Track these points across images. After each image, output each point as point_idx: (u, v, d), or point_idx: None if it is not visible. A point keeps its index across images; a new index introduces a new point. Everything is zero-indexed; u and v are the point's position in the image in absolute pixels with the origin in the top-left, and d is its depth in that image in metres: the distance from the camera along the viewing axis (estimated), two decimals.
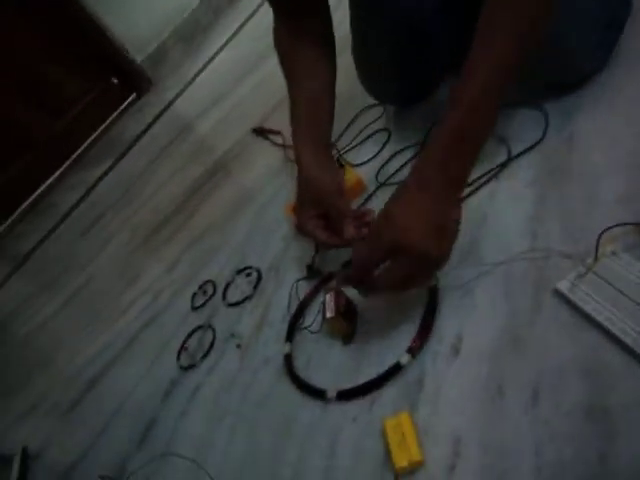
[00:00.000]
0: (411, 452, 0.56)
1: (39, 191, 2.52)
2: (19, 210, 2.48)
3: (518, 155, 0.78)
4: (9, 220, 2.46)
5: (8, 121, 2.47)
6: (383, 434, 0.60)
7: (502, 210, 0.73)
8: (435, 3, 0.86)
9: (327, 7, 0.90)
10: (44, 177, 2.55)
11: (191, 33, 2.71)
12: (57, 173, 2.56)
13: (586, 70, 0.78)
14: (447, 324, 0.66)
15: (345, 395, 0.67)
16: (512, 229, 0.70)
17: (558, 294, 0.59)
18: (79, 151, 2.61)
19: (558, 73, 0.78)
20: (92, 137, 2.65)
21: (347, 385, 0.68)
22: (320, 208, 0.80)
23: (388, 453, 0.58)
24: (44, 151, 2.56)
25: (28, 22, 2.46)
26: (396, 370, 0.65)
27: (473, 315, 0.65)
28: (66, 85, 2.64)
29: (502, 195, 0.75)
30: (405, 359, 0.65)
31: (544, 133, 0.78)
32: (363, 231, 0.77)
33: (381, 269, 0.63)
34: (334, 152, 1.05)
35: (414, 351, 0.65)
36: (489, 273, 0.67)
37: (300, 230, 0.83)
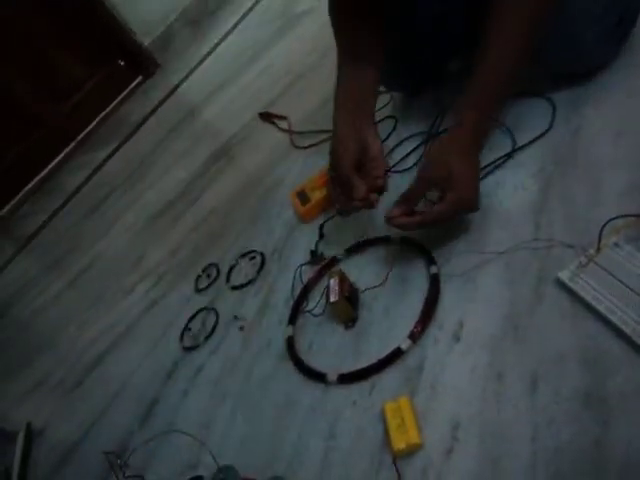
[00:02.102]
0: (409, 435, 0.57)
1: (44, 172, 2.52)
2: (24, 191, 2.48)
3: (524, 145, 0.78)
4: (14, 200, 2.47)
5: (14, 102, 2.47)
6: (383, 417, 0.61)
7: (507, 199, 0.74)
8: (438, 6, 0.87)
9: None
10: (50, 158, 2.55)
11: (199, 17, 2.69)
12: (63, 154, 2.56)
13: (595, 61, 0.78)
14: (449, 311, 0.67)
15: (346, 378, 0.68)
16: (516, 218, 0.70)
17: (559, 283, 0.60)
18: (85, 132, 2.61)
19: (567, 63, 0.78)
20: (98, 119, 2.65)
21: (348, 369, 0.69)
22: (358, 153, 0.80)
23: (387, 436, 0.59)
24: (50, 132, 2.56)
25: (34, 4, 2.45)
26: (397, 355, 0.66)
27: (475, 302, 0.66)
28: (73, 67, 2.63)
29: (508, 184, 0.75)
30: (406, 344, 0.66)
31: (551, 124, 0.78)
32: (371, 196, 0.77)
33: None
34: None
35: (415, 336, 0.66)
36: (492, 261, 0.67)
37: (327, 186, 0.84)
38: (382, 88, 1.09)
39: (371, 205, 0.77)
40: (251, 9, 2.32)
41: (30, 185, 2.50)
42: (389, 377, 0.65)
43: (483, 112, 0.69)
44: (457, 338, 0.64)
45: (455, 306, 0.67)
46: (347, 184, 0.78)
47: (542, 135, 0.78)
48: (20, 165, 2.49)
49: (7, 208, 2.45)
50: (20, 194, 2.48)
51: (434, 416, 0.59)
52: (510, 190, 0.75)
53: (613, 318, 0.54)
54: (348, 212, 0.83)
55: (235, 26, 2.32)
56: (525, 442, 0.52)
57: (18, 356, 1.42)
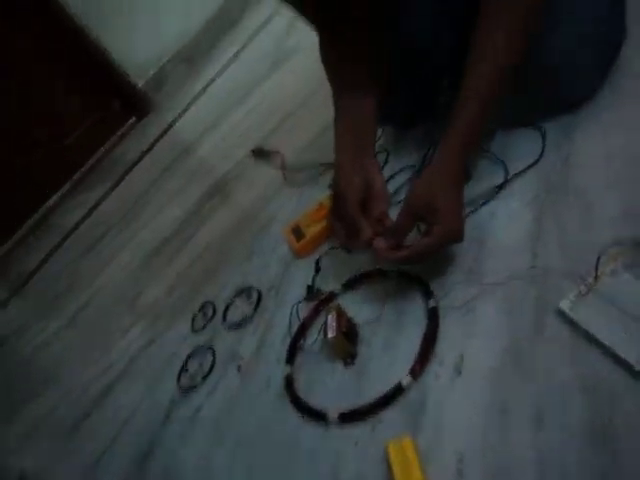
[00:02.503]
0: (414, 476, 0.55)
1: (40, 212, 2.53)
2: (21, 231, 2.48)
3: (516, 175, 0.78)
4: (11, 240, 2.46)
5: (9, 142, 2.49)
6: (385, 457, 0.59)
7: (502, 229, 0.73)
8: (433, 26, 0.88)
9: (379, 21, 0.88)
10: (45, 198, 2.56)
11: (191, 56, 2.75)
12: (59, 194, 2.57)
13: (582, 91, 0.79)
14: (448, 344, 0.66)
15: (347, 417, 0.66)
16: (512, 248, 0.70)
17: (560, 313, 0.59)
18: (80, 172, 2.63)
19: (554, 94, 0.79)
20: (93, 159, 2.67)
21: (349, 407, 0.67)
22: (362, 190, 0.79)
23: (391, 477, 0.57)
24: (45, 172, 2.57)
25: (30, 45, 2.49)
26: (398, 392, 0.65)
27: (475, 335, 0.65)
28: (68, 108, 2.66)
29: (502, 214, 0.75)
30: (407, 380, 0.64)
31: (542, 152, 0.79)
32: (376, 243, 0.74)
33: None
34: None
35: (416, 372, 0.65)
36: (490, 292, 0.67)
37: (327, 223, 0.84)
38: None
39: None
40: (243, 48, 2.37)
41: (27, 225, 2.50)
42: (391, 415, 0.64)
43: (465, 142, 0.70)
44: (458, 372, 0.62)
45: (455, 339, 0.66)
46: (352, 224, 0.77)
47: (534, 164, 0.78)
48: (16, 205, 2.49)
49: (4, 248, 2.45)
50: (17, 234, 2.48)
51: (438, 454, 0.57)
52: (504, 220, 0.75)
53: (616, 348, 0.53)
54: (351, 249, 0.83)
55: (227, 65, 2.36)
56: (531, 477, 0.50)
57: (16, 396, 1.39)
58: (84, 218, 2.14)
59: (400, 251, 0.70)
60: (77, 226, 2.12)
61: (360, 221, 0.76)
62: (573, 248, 0.64)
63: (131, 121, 2.76)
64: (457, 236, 0.69)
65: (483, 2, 0.70)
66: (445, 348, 0.66)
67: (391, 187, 0.95)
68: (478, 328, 0.65)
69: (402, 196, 0.92)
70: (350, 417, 0.66)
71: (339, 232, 0.80)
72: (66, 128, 2.67)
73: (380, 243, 0.71)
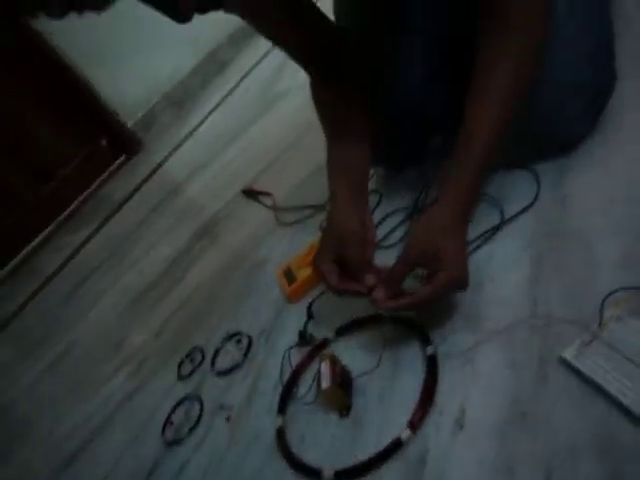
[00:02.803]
0: None
1: (22, 254, 2.47)
2: (3, 272, 2.42)
3: (511, 218, 0.77)
4: None
5: None
6: None
7: (500, 274, 0.72)
8: (423, 74, 0.89)
9: (365, 69, 0.90)
10: (28, 240, 2.50)
11: (181, 98, 2.77)
12: (42, 235, 2.52)
13: (574, 135, 0.79)
14: (448, 395, 0.63)
15: (343, 475, 0.63)
16: (511, 294, 0.68)
17: (564, 363, 0.57)
18: (66, 213, 2.59)
19: (546, 138, 0.79)
20: (79, 199, 2.64)
21: (345, 463, 0.64)
22: (339, 252, 0.77)
23: None
24: (29, 213, 2.53)
25: (17, 84, 2.49)
26: (396, 446, 0.61)
27: (476, 386, 0.62)
28: (54, 147, 2.64)
29: (499, 258, 0.74)
30: (406, 434, 0.61)
31: (536, 195, 0.78)
32: (376, 293, 0.71)
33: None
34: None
35: (415, 425, 0.62)
36: (490, 340, 0.64)
37: (314, 269, 0.79)
38: None
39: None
40: (232, 91, 2.39)
41: (8, 267, 2.44)
42: (390, 472, 0.60)
43: (467, 185, 0.69)
44: (460, 426, 0.59)
45: (455, 390, 0.63)
46: (355, 267, 0.75)
47: (528, 207, 0.77)
48: None
49: None
50: None
51: None
52: (501, 264, 0.73)
53: (625, 400, 0.50)
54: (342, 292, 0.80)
55: (216, 107, 2.38)
56: None
57: None
58: (68, 260, 2.09)
59: (401, 299, 0.68)
60: (60, 269, 2.07)
61: (364, 266, 0.75)
62: (575, 294, 0.63)
63: (120, 160, 2.75)
64: (462, 283, 0.66)
65: (482, 46, 0.70)
66: (445, 399, 0.63)
67: (383, 230, 0.94)
68: (479, 379, 0.62)
69: (393, 240, 0.91)
70: (347, 475, 0.62)
71: (329, 275, 0.76)
72: (53, 166, 2.64)
73: (379, 293, 0.68)
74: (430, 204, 0.90)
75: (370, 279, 0.72)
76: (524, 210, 0.77)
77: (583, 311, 0.59)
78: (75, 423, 1.13)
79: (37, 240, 2.51)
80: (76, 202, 2.64)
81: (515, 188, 0.82)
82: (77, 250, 2.11)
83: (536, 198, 0.78)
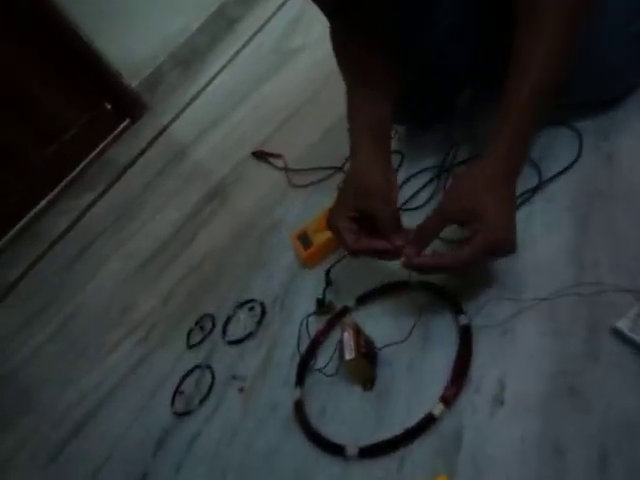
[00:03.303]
0: None
1: (27, 218, 2.42)
2: (5, 238, 2.37)
3: (552, 177, 0.71)
4: None
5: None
6: None
7: (540, 238, 0.66)
8: (450, 23, 0.82)
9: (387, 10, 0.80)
10: (33, 203, 2.45)
11: (188, 58, 2.66)
12: (47, 199, 2.46)
13: (624, 86, 0.72)
14: (485, 368, 0.58)
15: (369, 452, 0.58)
16: (553, 259, 0.62)
17: (617, 334, 0.51)
18: (70, 177, 2.52)
19: (594, 90, 0.72)
20: (84, 162, 2.57)
21: (370, 440, 0.59)
22: (359, 208, 0.69)
23: None
24: (34, 177, 2.47)
25: (21, 47, 2.40)
26: (428, 423, 0.56)
27: (516, 359, 0.56)
28: (58, 110, 2.56)
29: (538, 221, 0.68)
30: (438, 409, 0.56)
31: (579, 153, 0.71)
32: (408, 251, 0.64)
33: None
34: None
35: (448, 400, 0.57)
36: (531, 309, 0.59)
37: (329, 226, 0.72)
38: None
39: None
40: (242, 49, 2.29)
41: (11, 232, 2.39)
42: (421, 450, 0.55)
43: (517, 137, 0.61)
44: (499, 402, 0.54)
45: (492, 363, 0.58)
46: (384, 225, 0.67)
47: (571, 165, 0.71)
48: (2, 212, 2.38)
49: None
50: (1, 241, 2.37)
51: None
52: (542, 227, 0.67)
53: None
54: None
55: (226, 65, 2.28)
56: None
57: None
58: (73, 224, 2.04)
59: (437, 256, 0.62)
60: (65, 233, 2.01)
61: (394, 222, 0.67)
62: (627, 259, 0.57)
63: (124, 124, 2.67)
64: (507, 246, 0.59)
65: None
66: (481, 373, 0.58)
67: (406, 192, 0.88)
68: (519, 351, 0.57)
69: (418, 202, 0.84)
70: (372, 452, 0.58)
71: (346, 234, 0.68)
72: (56, 131, 2.57)
73: (410, 250, 0.62)
74: (467, 159, 0.83)
75: (398, 239, 0.65)
76: (566, 169, 0.71)
77: (637, 278, 0.53)
78: (82, 391, 1.09)
79: (41, 205, 2.45)
80: (80, 166, 2.57)
81: (555, 147, 0.75)
82: (82, 214, 2.06)
83: (578, 156, 0.71)
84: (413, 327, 0.64)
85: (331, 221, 0.71)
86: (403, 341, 0.64)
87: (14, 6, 2.33)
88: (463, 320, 0.62)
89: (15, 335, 1.59)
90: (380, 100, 0.79)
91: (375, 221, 0.67)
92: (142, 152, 2.15)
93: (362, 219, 0.69)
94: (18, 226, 2.40)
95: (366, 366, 0.63)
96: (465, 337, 0.60)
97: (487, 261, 0.63)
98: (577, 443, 0.47)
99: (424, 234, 0.63)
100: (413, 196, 0.86)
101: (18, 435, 1.14)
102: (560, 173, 0.71)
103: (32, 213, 2.42)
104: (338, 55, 0.85)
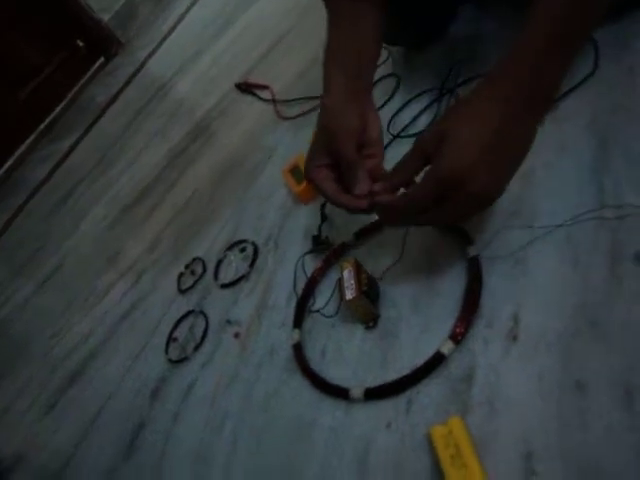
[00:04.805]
0: (471, 470, 0.44)
1: (5, 166, 2.33)
2: None
3: (567, 92, 0.64)
4: None
5: None
6: (429, 445, 0.48)
7: (554, 158, 0.60)
8: None
9: None
10: (10, 151, 2.35)
11: None
12: (23, 146, 2.37)
13: None
14: (497, 302, 0.54)
15: (374, 394, 0.55)
16: (570, 183, 0.57)
17: None
18: (47, 121, 2.41)
19: None
20: (60, 106, 2.45)
21: (375, 381, 0.56)
22: (333, 154, 0.61)
23: (438, 471, 0.46)
24: (8, 123, 2.36)
25: None
26: (437, 361, 0.53)
27: (530, 291, 0.52)
28: (27, 51, 2.42)
29: (552, 140, 0.61)
30: (448, 347, 0.52)
31: (595, 64, 0.64)
32: (375, 186, 0.58)
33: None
34: None
35: (458, 337, 0.53)
36: (546, 237, 0.54)
37: (306, 177, 0.64)
38: None
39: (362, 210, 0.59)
40: None
41: None
42: (430, 391, 0.52)
43: (541, 51, 0.48)
44: (513, 337, 0.50)
45: (505, 296, 0.53)
46: (349, 171, 0.60)
47: (587, 78, 0.64)
48: None
49: None
50: None
51: (498, 442, 0.46)
52: (558, 148, 0.61)
53: None
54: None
55: None
56: (628, 475, 0.39)
57: None
58: (52, 171, 1.96)
59: (389, 197, 0.54)
60: (46, 180, 1.94)
61: (359, 170, 0.59)
62: None
63: (99, 62, 2.53)
64: (477, 187, 0.48)
65: None
66: (493, 307, 0.53)
67: (406, 117, 0.81)
68: (534, 282, 0.52)
69: (418, 129, 0.78)
70: (379, 393, 0.54)
71: (323, 182, 0.61)
72: (28, 73, 2.43)
73: (379, 186, 0.55)
74: (464, 83, 0.77)
75: (362, 186, 0.58)
76: (581, 83, 0.64)
77: None
78: (74, 341, 1.06)
79: (18, 152, 2.36)
80: (57, 110, 2.46)
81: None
82: (61, 160, 1.97)
83: (595, 68, 0.64)
84: (410, 260, 0.60)
85: (306, 171, 0.63)
86: (402, 274, 0.60)
87: None
88: (471, 251, 0.57)
89: (5, 285, 1.55)
90: (366, 13, 0.69)
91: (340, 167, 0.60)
92: (120, 91, 2.05)
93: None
94: None
95: (369, 304, 0.59)
96: (474, 269, 0.56)
97: (455, 212, 0.52)
98: (600, 379, 0.44)
99: (397, 169, 0.55)
100: (412, 122, 0.79)
101: (14, 386, 1.12)
102: (575, 87, 0.64)
103: (11, 161, 2.33)
104: None
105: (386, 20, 0.70)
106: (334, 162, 0.61)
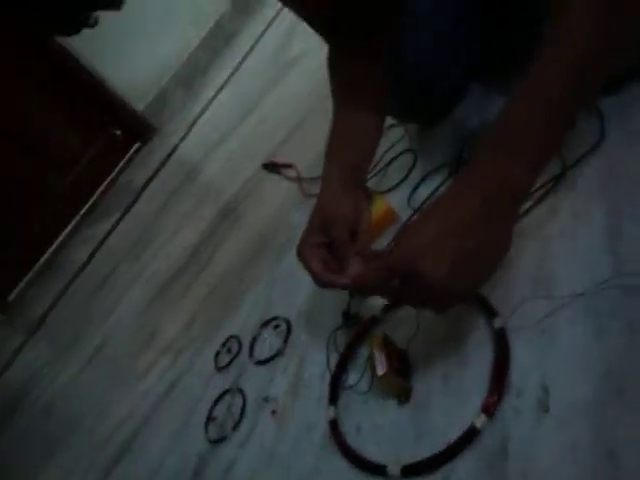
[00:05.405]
0: None
1: (50, 250, 2.46)
2: (31, 272, 2.41)
3: (576, 163, 0.67)
4: (22, 283, 2.39)
5: (15, 182, 2.43)
6: None
7: (569, 229, 0.62)
8: (456, 15, 0.79)
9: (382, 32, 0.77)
10: (54, 236, 2.49)
11: (190, 76, 2.68)
12: (66, 230, 2.50)
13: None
14: (525, 373, 0.55)
15: (411, 470, 0.55)
16: (586, 250, 0.59)
17: None
18: (87, 205, 2.56)
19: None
20: (99, 190, 2.60)
21: (411, 456, 0.56)
22: (325, 236, 0.69)
23: None
24: (52, 209, 2.51)
25: (28, 82, 2.44)
26: (471, 436, 0.53)
27: (557, 360, 0.53)
28: (69, 141, 2.60)
29: (565, 211, 0.64)
30: (481, 421, 0.53)
31: (602, 133, 0.68)
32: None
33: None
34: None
35: (490, 409, 0.54)
36: (568, 307, 0.55)
37: (297, 253, 0.71)
38: (394, 121, 1.01)
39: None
40: (243, 61, 2.29)
41: (37, 266, 2.43)
42: (466, 465, 0.53)
43: (515, 153, 0.49)
44: (545, 408, 0.51)
45: (532, 366, 0.55)
46: (340, 252, 0.68)
47: (595, 147, 0.67)
48: (24, 246, 2.42)
49: (15, 292, 2.38)
50: (27, 276, 2.41)
51: None
52: (569, 217, 0.63)
53: None
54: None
55: (228, 80, 2.28)
56: None
57: (34, 454, 1.31)
58: (94, 253, 2.06)
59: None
60: (87, 262, 2.04)
61: (348, 248, 0.67)
62: None
63: (135, 147, 2.69)
64: (428, 279, 0.49)
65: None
66: (521, 377, 0.55)
67: (424, 192, 0.85)
68: (560, 351, 0.54)
69: None
70: (415, 470, 0.55)
71: (311, 261, 0.68)
72: (69, 162, 2.60)
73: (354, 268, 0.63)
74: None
75: (354, 268, 0.64)
76: (589, 152, 0.67)
77: None
78: (117, 421, 1.09)
79: (62, 236, 2.49)
80: (96, 194, 2.61)
81: (575, 129, 0.71)
82: (101, 242, 2.08)
83: (602, 137, 0.67)
84: (438, 332, 0.62)
85: (300, 247, 0.70)
86: (432, 347, 0.62)
87: (16, 45, 2.35)
88: (497, 323, 0.59)
89: (47, 369, 1.61)
90: (366, 118, 0.78)
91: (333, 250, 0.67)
92: (154, 174, 2.17)
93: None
94: (42, 259, 2.44)
95: (399, 380, 0.61)
96: (501, 341, 0.57)
97: (415, 296, 0.55)
98: (630, 447, 0.44)
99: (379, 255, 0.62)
100: (430, 195, 0.83)
101: (62, 466, 1.14)
102: (584, 156, 0.67)
103: (54, 245, 2.46)
104: (330, 68, 0.84)
105: (395, 101, 0.78)
106: (327, 241, 0.69)
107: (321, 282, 0.68)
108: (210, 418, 0.85)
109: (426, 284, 0.50)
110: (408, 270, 0.51)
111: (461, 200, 0.51)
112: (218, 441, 0.80)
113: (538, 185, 0.67)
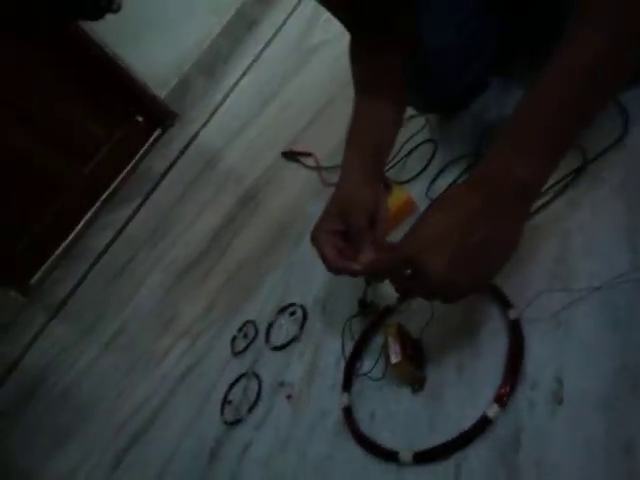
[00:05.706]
0: None
1: (71, 236, 2.50)
2: (52, 257, 2.46)
3: (597, 156, 0.67)
4: (44, 267, 2.44)
5: (37, 169, 2.48)
6: None
7: (588, 223, 0.62)
8: (478, 4, 0.78)
9: (411, 19, 0.77)
10: (75, 221, 2.53)
11: (212, 63, 2.69)
12: (88, 216, 2.54)
13: None
14: (540, 365, 0.55)
15: (423, 457, 0.56)
16: (605, 244, 0.58)
17: None
18: (108, 192, 2.60)
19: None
20: (120, 177, 2.63)
21: (423, 444, 0.57)
22: (342, 223, 0.70)
23: None
24: (73, 195, 2.55)
25: (50, 69, 2.47)
26: (483, 425, 0.54)
27: (572, 352, 0.53)
28: (91, 128, 2.64)
29: (585, 205, 0.64)
30: (493, 411, 0.54)
31: (625, 127, 0.67)
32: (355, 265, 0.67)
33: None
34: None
35: (503, 399, 0.54)
36: (585, 300, 0.55)
37: (311, 237, 0.72)
38: (414, 112, 1.00)
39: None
40: (264, 48, 2.29)
41: (58, 250, 2.47)
42: (478, 454, 0.53)
43: (521, 152, 0.51)
44: (559, 400, 0.51)
45: (547, 358, 0.55)
46: (357, 239, 0.68)
47: (617, 142, 0.66)
48: (47, 231, 2.47)
49: (37, 276, 2.43)
50: (49, 260, 2.46)
51: None
52: (589, 211, 0.63)
53: None
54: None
55: (249, 67, 2.29)
56: None
57: (53, 436, 1.34)
58: (114, 239, 2.09)
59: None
60: (107, 248, 2.07)
61: (366, 235, 0.68)
62: None
63: (156, 134, 2.72)
64: (432, 273, 0.50)
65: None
66: (536, 369, 0.55)
67: (443, 182, 0.85)
68: (575, 344, 0.54)
69: None
70: (427, 457, 0.56)
71: (325, 247, 0.69)
72: (91, 148, 2.64)
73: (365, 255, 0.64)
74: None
75: (366, 256, 0.65)
76: (611, 146, 0.66)
77: None
78: (136, 403, 1.12)
79: (83, 221, 2.53)
80: (117, 181, 2.64)
81: (598, 123, 0.70)
82: (122, 228, 2.11)
83: (625, 132, 0.67)
84: (453, 322, 0.62)
85: (314, 232, 0.71)
86: (446, 337, 0.62)
87: (39, 30, 2.38)
88: (512, 314, 0.59)
89: (67, 352, 1.65)
90: (388, 103, 0.77)
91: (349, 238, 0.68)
92: (175, 161, 2.19)
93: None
94: (64, 244, 2.48)
95: (413, 368, 0.61)
96: (516, 332, 0.58)
97: (420, 287, 0.55)
98: None
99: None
100: (449, 187, 0.83)
101: (81, 447, 1.17)
102: (605, 151, 0.66)
103: (76, 230, 2.50)
104: (351, 57, 0.84)
105: (414, 92, 0.78)
106: (343, 229, 0.69)
107: (333, 268, 0.68)
108: (226, 401, 0.86)
109: (426, 278, 0.51)
110: (411, 262, 0.52)
111: (465, 197, 0.53)
112: (234, 423, 0.82)
113: (558, 178, 0.67)
